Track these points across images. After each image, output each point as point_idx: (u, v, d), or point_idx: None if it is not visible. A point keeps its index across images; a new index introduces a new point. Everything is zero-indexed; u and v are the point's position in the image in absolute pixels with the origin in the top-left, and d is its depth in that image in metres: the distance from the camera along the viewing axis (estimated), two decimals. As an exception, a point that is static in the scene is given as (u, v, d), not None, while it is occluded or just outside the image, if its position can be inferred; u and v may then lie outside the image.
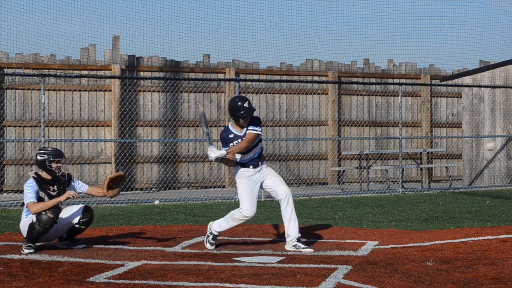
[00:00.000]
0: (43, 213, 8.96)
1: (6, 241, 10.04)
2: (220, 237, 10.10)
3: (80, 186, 9.62)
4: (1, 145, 18.00)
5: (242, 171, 9.39)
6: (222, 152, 9.20)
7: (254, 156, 9.41)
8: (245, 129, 9.33)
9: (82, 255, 8.82)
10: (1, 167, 18.08)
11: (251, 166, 9.39)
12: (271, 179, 9.49)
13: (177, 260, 8.51)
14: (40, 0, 18.59)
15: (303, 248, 9.24)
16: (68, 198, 9.14)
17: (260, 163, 9.45)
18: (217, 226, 9.52)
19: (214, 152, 9.17)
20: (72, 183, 9.53)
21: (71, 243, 9.44)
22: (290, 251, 9.25)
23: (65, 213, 9.37)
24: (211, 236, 9.49)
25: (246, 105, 9.26)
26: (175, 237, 10.34)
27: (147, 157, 19.37)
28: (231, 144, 9.31)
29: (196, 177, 19.85)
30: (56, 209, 9.11)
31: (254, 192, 9.39)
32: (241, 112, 9.23)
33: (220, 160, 9.25)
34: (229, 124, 9.53)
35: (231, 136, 9.36)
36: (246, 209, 9.32)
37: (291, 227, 9.44)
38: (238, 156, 9.36)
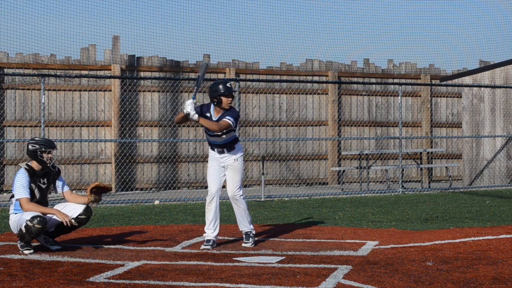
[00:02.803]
0: (31, 224, 8.83)
1: (6, 241, 10.03)
2: (220, 237, 10.10)
3: (63, 186, 9.55)
4: (1, 145, 18.01)
5: (210, 153, 9.75)
6: (195, 115, 9.35)
7: (220, 142, 9.61)
8: (220, 115, 9.51)
9: (82, 255, 8.81)
10: (1, 167, 18.09)
11: (215, 150, 9.68)
12: (228, 173, 9.69)
13: (177, 260, 8.51)
14: (40, 0, 18.59)
15: (252, 243, 9.60)
16: (63, 220, 9.02)
17: (225, 150, 9.63)
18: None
19: (191, 109, 9.32)
20: (58, 180, 9.48)
21: (51, 242, 9.33)
22: (248, 247, 9.50)
23: (66, 207, 9.30)
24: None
25: (228, 85, 9.52)
26: (175, 237, 10.34)
27: (147, 157, 19.37)
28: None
29: (196, 177, 19.85)
30: (43, 217, 8.93)
31: (217, 175, 9.64)
32: (222, 92, 9.42)
33: (189, 117, 9.43)
34: (212, 104, 9.64)
35: (208, 114, 9.58)
36: (209, 193, 9.66)
37: (244, 224, 9.72)
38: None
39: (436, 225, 11.73)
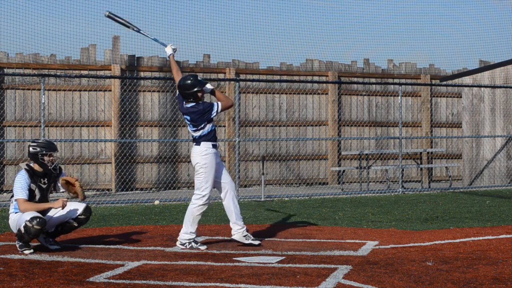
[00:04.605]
0: (30, 225, 8.80)
1: (6, 241, 10.03)
2: (221, 237, 10.10)
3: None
4: (1, 145, 18.01)
5: (213, 151, 9.59)
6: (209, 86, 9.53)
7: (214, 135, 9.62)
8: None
9: (82, 255, 8.82)
10: (1, 167, 18.09)
11: (217, 144, 9.69)
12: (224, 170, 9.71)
13: (177, 260, 8.51)
14: (40, 0, 18.59)
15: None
16: (60, 206, 9.06)
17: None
18: (188, 232, 9.48)
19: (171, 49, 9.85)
20: (61, 176, 9.49)
21: (51, 242, 9.33)
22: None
23: (65, 208, 9.28)
24: (193, 244, 9.43)
25: (198, 78, 9.48)
26: (175, 237, 10.33)
27: (147, 157, 19.37)
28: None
29: (196, 177, 19.82)
30: (43, 219, 8.91)
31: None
32: (198, 88, 9.40)
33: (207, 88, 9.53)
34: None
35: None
36: (209, 194, 9.64)
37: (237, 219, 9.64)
38: (206, 130, 9.71)
39: (436, 225, 11.73)
